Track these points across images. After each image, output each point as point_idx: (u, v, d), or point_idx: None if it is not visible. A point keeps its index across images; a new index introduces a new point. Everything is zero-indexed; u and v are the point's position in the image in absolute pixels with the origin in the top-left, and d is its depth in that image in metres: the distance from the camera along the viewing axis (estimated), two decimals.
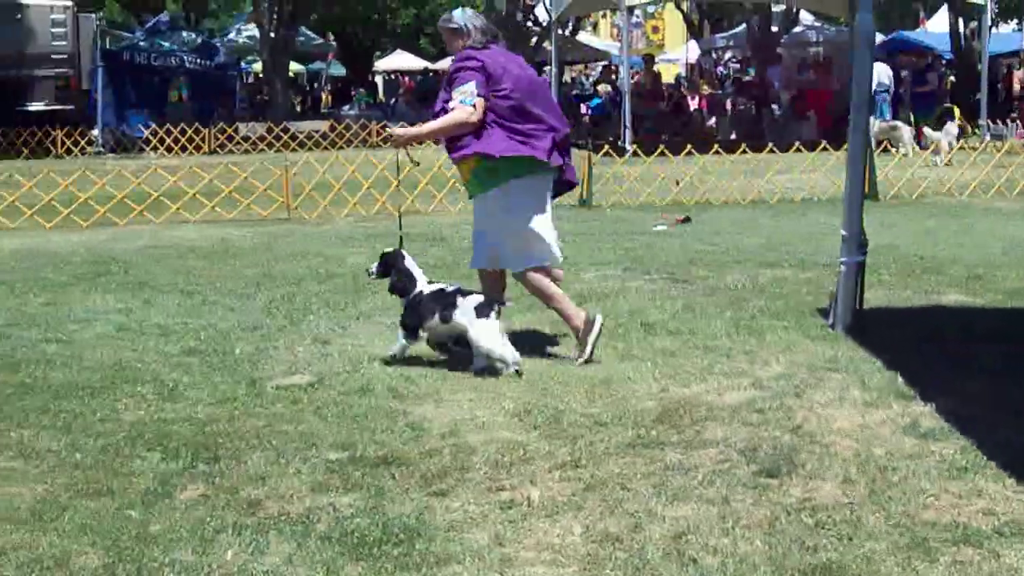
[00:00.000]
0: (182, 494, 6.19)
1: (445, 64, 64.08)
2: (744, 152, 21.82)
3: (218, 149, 33.81)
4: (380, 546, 5.46)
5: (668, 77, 45.34)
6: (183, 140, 33.87)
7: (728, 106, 38.02)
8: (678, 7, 49.93)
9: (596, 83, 46.30)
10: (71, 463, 6.67)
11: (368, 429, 7.20)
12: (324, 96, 65.24)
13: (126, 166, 21.91)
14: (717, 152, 21.75)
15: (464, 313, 8.41)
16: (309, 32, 55.78)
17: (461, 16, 8.93)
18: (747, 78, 41.36)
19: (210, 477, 6.41)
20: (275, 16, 43.07)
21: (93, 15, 41.76)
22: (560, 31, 40.62)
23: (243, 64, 53.17)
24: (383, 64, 73.46)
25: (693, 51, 49.78)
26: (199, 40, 41.25)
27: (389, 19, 69.83)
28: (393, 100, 49.05)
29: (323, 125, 38.98)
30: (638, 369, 8.47)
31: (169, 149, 33.67)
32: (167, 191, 18.37)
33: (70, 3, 39.49)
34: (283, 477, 6.40)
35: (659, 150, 21.31)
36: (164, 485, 6.29)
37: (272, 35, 42.90)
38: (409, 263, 8.79)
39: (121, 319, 10.50)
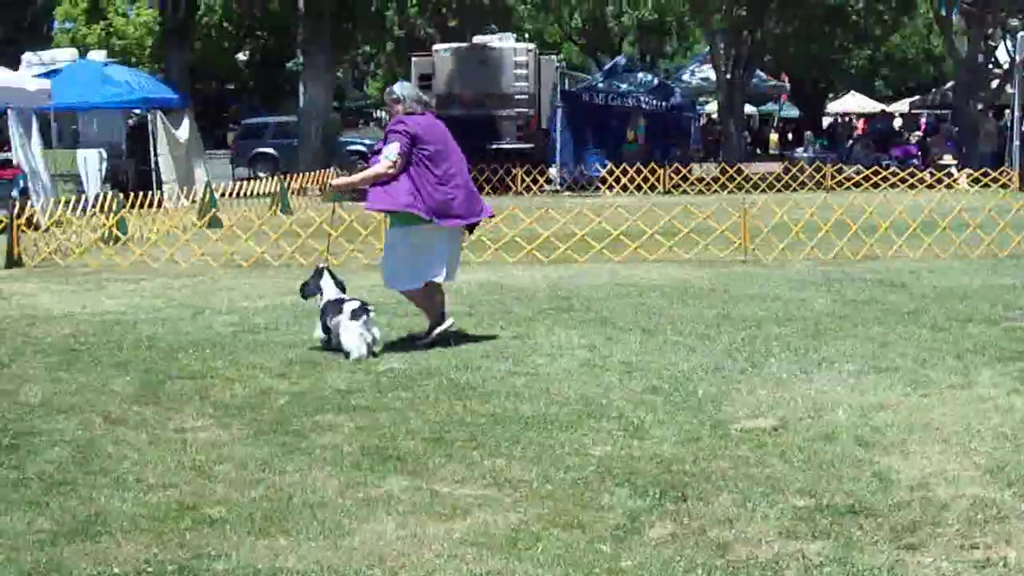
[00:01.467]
0: (651, 531, 6.26)
1: (900, 106, 62.86)
2: None
3: (672, 189, 34.16)
4: None
5: None
6: (638, 180, 34.35)
7: None
8: None
9: None
10: (542, 494, 6.84)
11: (834, 477, 7.10)
12: (771, 137, 64.99)
13: (585, 204, 22.37)
14: None
15: (342, 315, 10.76)
16: (763, 73, 55.69)
17: (400, 88, 11.47)
18: None
19: (678, 516, 6.46)
20: (732, 58, 43.23)
21: (553, 57, 43.03)
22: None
23: (697, 105, 53.52)
24: (835, 106, 72.67)
25: None
26: (655, 81, 41.76)
27: (844, 60, 69.03)
28: (850, 142, 48.25)
29: (776, 167, 38.82)
30: None
31: (624, 188, 34.22)
32: (626, 230, 18.66)
33: (532, 46, 40.85)
34: (751, 521, 6.38)
35: None
36: (633, 521, 6.38)
37: (728, 76, 43.07)
38: (325, 280, 11.36)
39: (585, 355, 10.71)
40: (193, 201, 25.92)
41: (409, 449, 7.75)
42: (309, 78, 37.70)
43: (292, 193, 28.82)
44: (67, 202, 22.00)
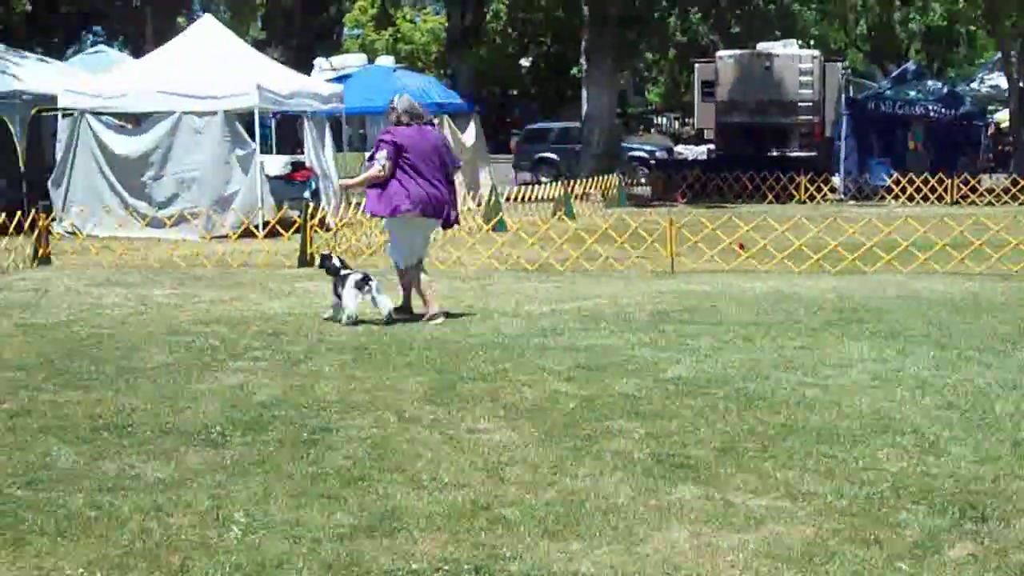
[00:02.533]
0: (950, 551, 6.11)
1: None
2: None
3: (960, 200, 33.25)
4: None
5: None
6: (925, 190, 33.55)
7: None
8: None
9: None
10: (837, 508, 6.74)
11: None
12: None
13: (871, 214, 21.97)
14: None
15: (348, 285, 13.11)
16: None
17: (397, 101, 13.46)
18: None
19: (978, 537, 6.29)
20: None
21: (838, 64, 42.37)
22: None
23: (986, 114, 52.00)
24: None
25: None
26: (944, 89, 40.76)
27: None
28: None
29: None
30: None
31: (911, 198, 33.47)
32: (915, 241, 18.24)
33: (817, 53, 40.33)
34: None
35: None
36: (932, 540, 6.24)
37: (1020, 84, 41.67)
38: (335, 260, 13.66)
39: (876, 367, 10.50)
40: (479, 204, 26.33)
41: (700, 458, 7.72)
42: (593, 84, 37.92)
43: (575, 198, 29.00)
44: (358, 204, 22.58)
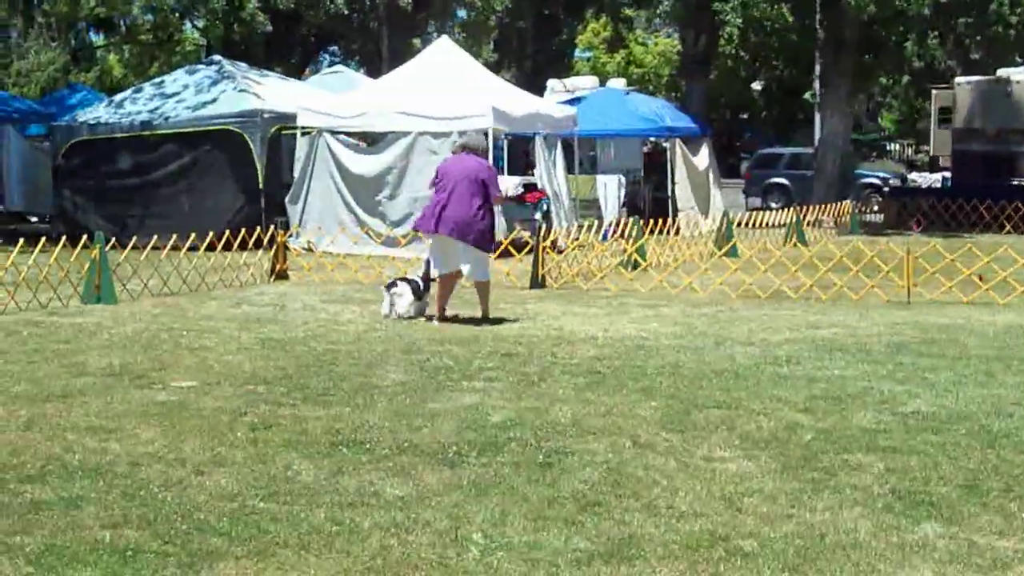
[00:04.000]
0: None
1: None
2: None
3: None
4: None
5: None
6: None
7: None
8: None
9: None
10: None
11: None
12: None
13: None
14: None
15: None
16: None
17: (463, 136, 16.44)
18: None
19: None
20: None
21: None
22: None
23: None
24: None
25: None
26: None
27: None
28: None
29: None
30: None
31: None
32: None
33: None
34: None
35: None
36: None
37: None
38: (416, 271, 15.73)
39: None
40: (711, 230, 26.15)
41: (942, 495, 7.55)
42: (827, 109, 37.40)
43: (806, 224, 28.59)
44: (589, 227, 22.67)
